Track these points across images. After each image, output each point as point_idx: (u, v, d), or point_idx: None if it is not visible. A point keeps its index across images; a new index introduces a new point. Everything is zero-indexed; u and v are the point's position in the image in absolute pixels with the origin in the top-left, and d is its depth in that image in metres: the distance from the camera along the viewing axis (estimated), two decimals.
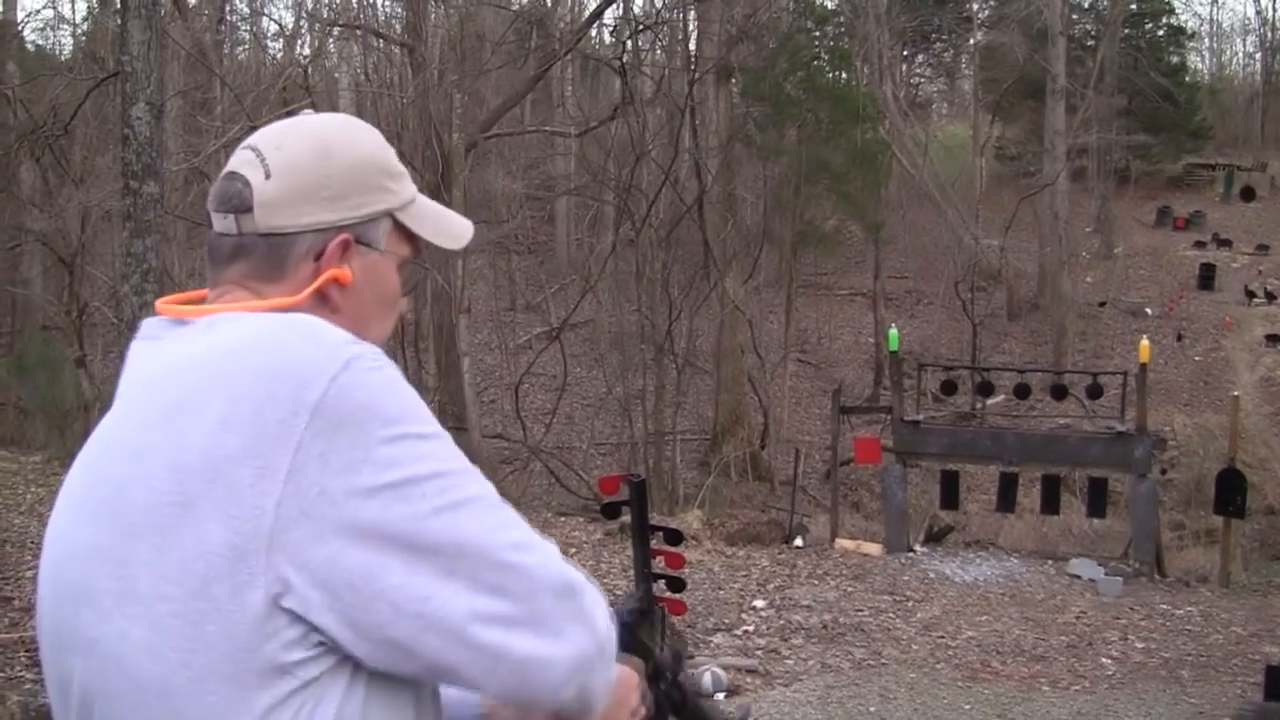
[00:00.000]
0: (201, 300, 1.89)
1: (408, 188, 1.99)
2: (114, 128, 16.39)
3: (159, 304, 1.89)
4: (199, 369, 1.67)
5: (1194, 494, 24.64)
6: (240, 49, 33.19)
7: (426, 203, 2.04)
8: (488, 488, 1.70)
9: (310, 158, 1.86)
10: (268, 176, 1.84)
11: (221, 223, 1.86)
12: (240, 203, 1.84)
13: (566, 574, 1.71)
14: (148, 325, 1.85)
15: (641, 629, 2.15)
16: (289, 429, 1.57)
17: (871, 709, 10.43)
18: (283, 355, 1.64)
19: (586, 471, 24.38)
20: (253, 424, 1.58)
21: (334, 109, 32.06)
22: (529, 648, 1.64)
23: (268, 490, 1.55)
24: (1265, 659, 11.58)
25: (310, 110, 2.02)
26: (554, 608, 1.67)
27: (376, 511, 1.58)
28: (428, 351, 26.93)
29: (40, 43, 34.55)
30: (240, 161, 1.88)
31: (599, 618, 1.75)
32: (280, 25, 31.15)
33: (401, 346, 27.78)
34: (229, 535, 1.55)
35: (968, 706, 10.53)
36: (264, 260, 1.85)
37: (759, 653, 12.38)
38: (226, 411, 1.59)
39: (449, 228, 2.06)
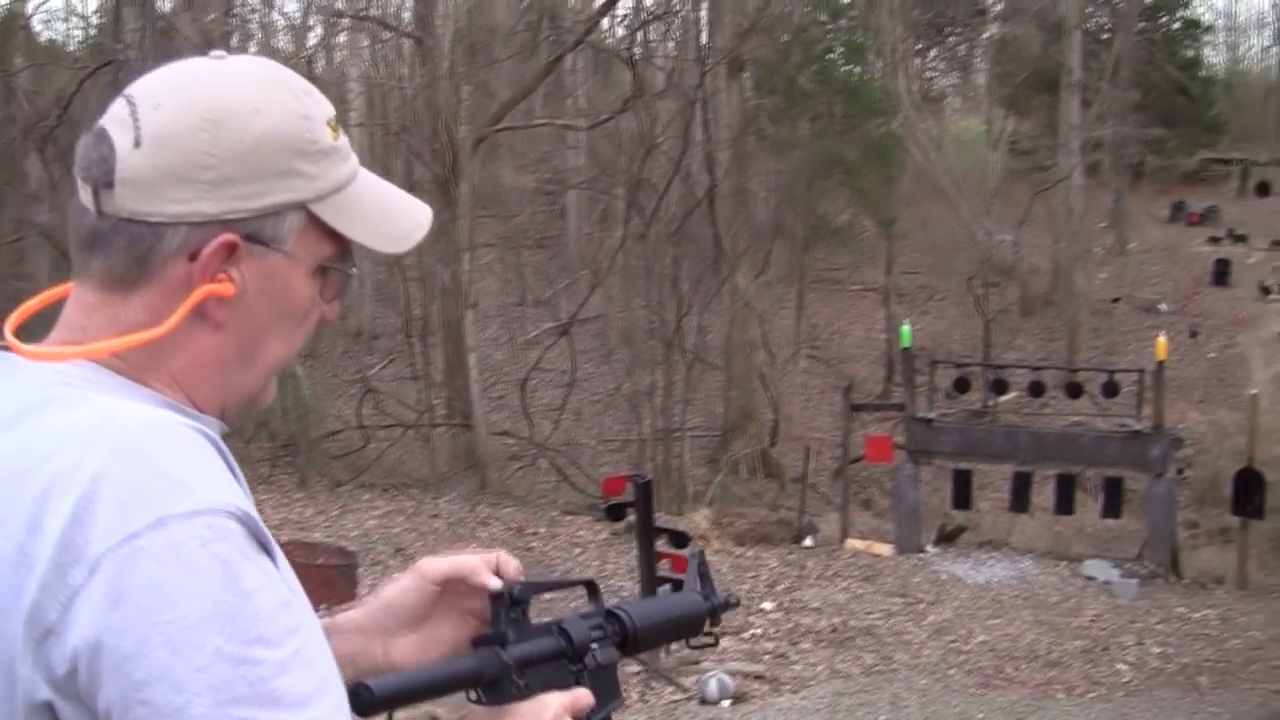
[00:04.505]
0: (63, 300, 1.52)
1: (336, 169, 1.53)
2: None
3: (11, 321, 1.50)
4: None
5: (1208, 492, 24.35)
6: (250, 42, 32.98)
7: (366, 187, 1.58)
8: None
9: (192, 127, 1.42)
10: (137, 144, 1.42)
11: (83, 193, 1.46)
12: (102, 173, 1.42)
13: None
14: None
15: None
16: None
17: (882, 718, 10.19)
18: None
19: (594, 469, 24.15)
20: None
21: (342, 102, 31.89)
22: None
23: None
24: None
25: (223, 53, 1.57)
26: None
27: None
28: (436, 347, 26.72)
29: (52, 36, 34.31)
30: (113, 116, 1.46)
31: None
32: (288, 18, 30.84)
33: (409, 341, 27.62)
34: None
35: (981, 716, 10.29)
36: (124, 255, 1.43)
37: (766, 657, 12.16)
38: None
39: (391, 223, 1.60)
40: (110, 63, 12.99)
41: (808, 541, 17.86)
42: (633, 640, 1.85)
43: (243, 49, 31.12)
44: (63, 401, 1.37)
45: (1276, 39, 59.00)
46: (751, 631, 13.08)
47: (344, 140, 1.56)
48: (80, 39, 31.24)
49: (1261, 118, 53.47)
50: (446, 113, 23.51)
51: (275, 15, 31.41)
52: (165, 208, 1.41)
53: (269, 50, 29.35)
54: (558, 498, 22.45)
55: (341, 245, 1.55)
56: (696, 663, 11.74)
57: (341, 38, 31.12)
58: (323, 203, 1.51)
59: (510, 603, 1.68)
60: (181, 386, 1.47)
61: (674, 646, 11.94)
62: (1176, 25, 50.04)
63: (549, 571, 14.86)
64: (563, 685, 1.69)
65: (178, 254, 1.42)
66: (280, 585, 1.34)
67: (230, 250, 1.44)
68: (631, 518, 9.61)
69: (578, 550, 16.53)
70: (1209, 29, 54.92)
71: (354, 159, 1.58)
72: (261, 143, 1.44)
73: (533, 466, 25.25)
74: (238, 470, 1.42)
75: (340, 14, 27.24)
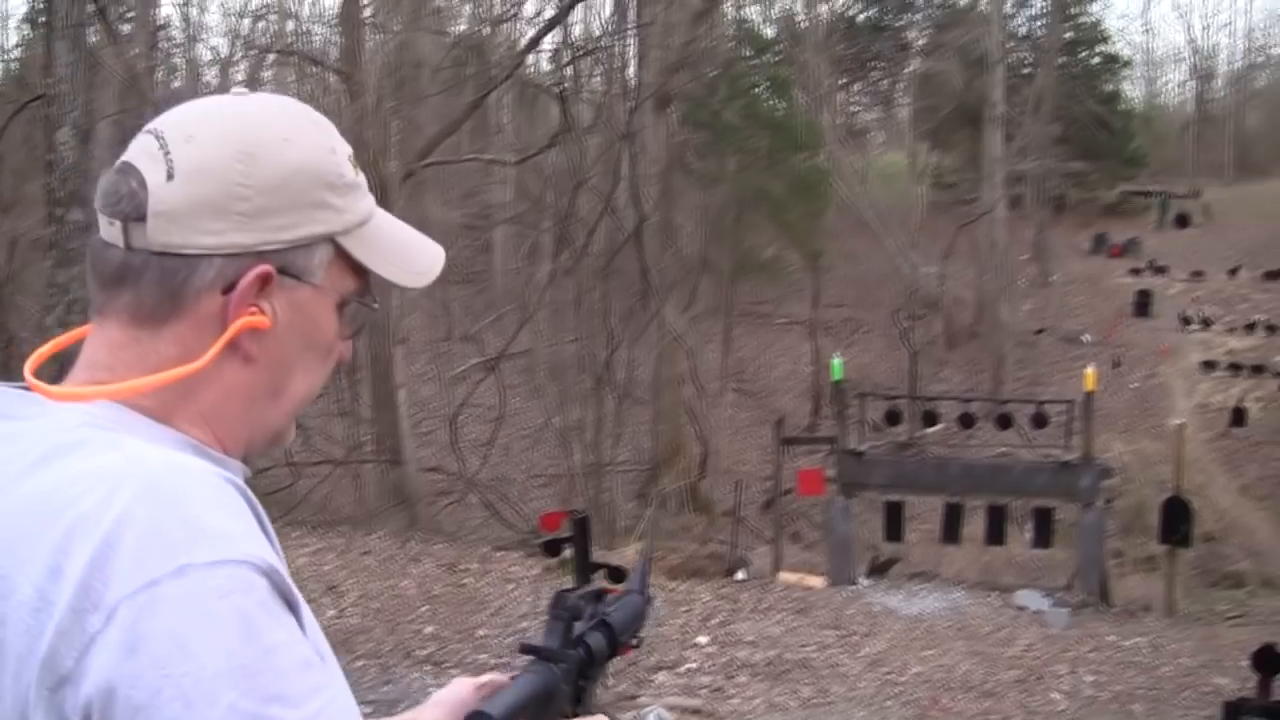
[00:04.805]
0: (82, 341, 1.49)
1: (359, 204, 1.54)
2: (41, 153, 16.03)
3: (30, 364, 1.45)
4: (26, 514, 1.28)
5: (1133, 521, 24.62)
6: (175, 76, 32.79)
7: (386, 224, 1.59)
8: None
9: (227, 159, 1.42)
10: (170, 177, 1.40)
11: (108, 229, 1.44)
12: (132, 208, 1.41)
13: None
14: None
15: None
16: None
17: None
18: None
19: (524, 504, 24.08)
20: None
21: None
22: None
23: None
24: (1218, 692, 11.44)
25: (244, 89, 1.56)
26: None
27: None
28: (363, 383, 26.56)
29: None
30: (139, 151, 1.44)
31: None
32: (215, 52, 30.72)
33: (336, 377, 27.44)
34: None
35: None
36: (155, 288, 1.41)
37: (703, 691, 12.12)
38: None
39: (412, 259, 1.60)
40: (40, 97, 12.78)
41: (740, 575, 17.85)
42: (613, 648, 1.84)
43: (168, 83, 30.97)
44: (91, 444, 1.33)
45: (1192, 74, 59.96)
46: (687, 666, 13.04)
47: (363, 177, 1.57)
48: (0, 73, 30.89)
49: (1179, 151, 54.34)
50: (374, 148, 23.43)
51: (201, 50, 31.28)
52: (199, 240, 1.40)
53: (196, 85, 29.20)
54: (488, 533, 22.32)
55: (363, 280, 1.55)
56: (634, 698, 11.70)
57: (268, 73, 30.97)
58: (349, 236, 1.51)
59: (569, 617, 1.67)
60: (210, 424, 1.45)
61: (611, 681, 11.92)
62: (1096, 60, 50.81)
63: (482, 608, 14.82)
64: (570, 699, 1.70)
65: (211, 287, 1.41)
66: (303, 644, 1.30)
67: (264, 282, 1.43)
68: (568, 553, 9.58)
69: (511, 586, 16.43)
70: (1127, 64, 55.79)
71: (371, 197, 1.58)
72: (294, 175, 1.45)
73: (462, 502, 25.13)
74: (267, 522, 1.39)
75: (267, 49, 27.13)
